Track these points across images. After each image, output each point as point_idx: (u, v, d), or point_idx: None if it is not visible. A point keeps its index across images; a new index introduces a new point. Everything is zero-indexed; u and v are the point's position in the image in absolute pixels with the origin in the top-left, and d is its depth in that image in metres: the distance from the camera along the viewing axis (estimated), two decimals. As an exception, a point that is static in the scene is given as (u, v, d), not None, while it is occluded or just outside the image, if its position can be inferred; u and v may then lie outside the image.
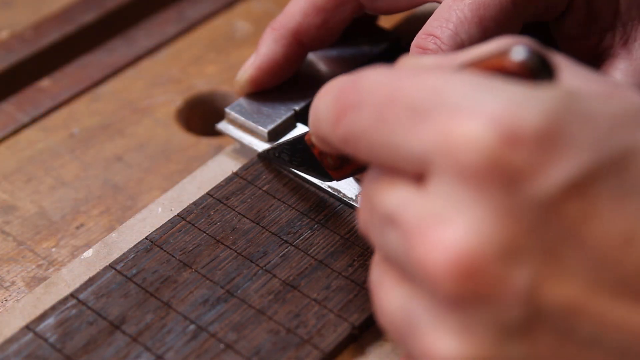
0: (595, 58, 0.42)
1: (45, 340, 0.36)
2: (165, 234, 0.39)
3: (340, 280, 0.38)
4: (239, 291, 0.37)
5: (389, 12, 0.45)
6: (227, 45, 0.53)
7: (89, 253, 0.39)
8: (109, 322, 0.36)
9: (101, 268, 0.38)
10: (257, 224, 0.40)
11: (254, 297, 0.37)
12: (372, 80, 0.31)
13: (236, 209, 0.40)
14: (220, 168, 0.43)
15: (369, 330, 0.37)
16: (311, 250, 0.39)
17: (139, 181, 0.45)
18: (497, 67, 0.30)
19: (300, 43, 0.44)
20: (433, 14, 0.40)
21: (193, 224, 0.40)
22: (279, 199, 0.41)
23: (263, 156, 0.43)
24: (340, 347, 0.36)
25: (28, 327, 0.36)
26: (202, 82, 0.50)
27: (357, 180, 0.41)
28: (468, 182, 0.28)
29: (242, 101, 0.44)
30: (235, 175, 0.42)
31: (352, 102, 0.31)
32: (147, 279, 0.38)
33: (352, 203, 0.41)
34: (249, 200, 0.41)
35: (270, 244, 0.39)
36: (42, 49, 0.53)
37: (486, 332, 0.28)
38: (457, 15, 0.39)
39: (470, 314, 0.28)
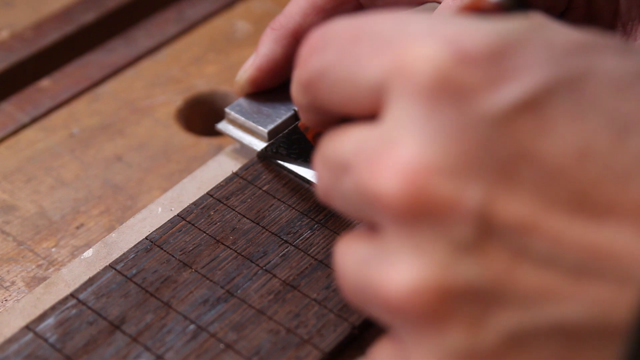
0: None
1: (45, 340, 0.36)
2: (165, 234, 0.39)
3: (340, 280, 0.38)
4: (239, 291, 0.37)
5: None
6: (227, 45, 0.53)
7: (89, 253, 0.39)
8: (109, 322, 0.36)
9: (101, 268, 0.38)
10: (257, 224, 0.40)
11: (254, 297, 0.37)
12: (339, 24, 0.32)
13: (236, 209, 0.40)
14: (220, 168, 0.43)
15: (369, 330, 0.37)
16: (311, 250, 0.39)
17: (139, 181, 0.45)
18: (476, 9, 0.31)
19: (300, 43, 0.44)
20: None
21: (193, 224, 0.40)
22: (279, 199, 0.41)
23: (262, 155, 0.43)
24: (340, 347, 0.36)
25: (28, 327, 0.36)
26: (202, 82, 0.50)
27: None
28: (420, 100, 0.28)
29: (242, 101, 0.44)
30: (235, 175, 0.42)
31: (318, 46, 0.32)
32: (147, 279, 0.38)
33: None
34: (249, 200, 0.41)
35: (270, 244, 0.39)
36: (42, 49, 0.53)
37: (439, 252, 0.28)
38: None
39: (422, 235, 0.28)
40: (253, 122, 0.43)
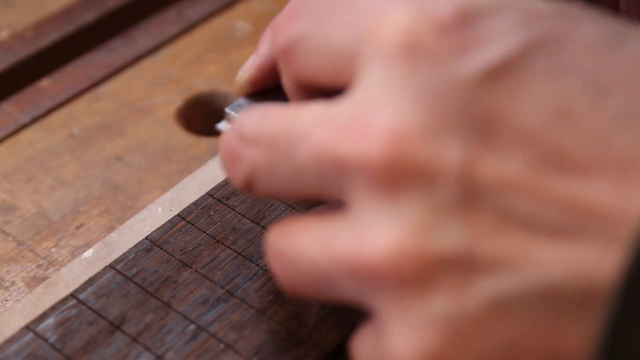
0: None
1: (45, 340, 0.36)
2: (165, 234, 0.39)
3: (340, 280, 0.38)
4: (239, 291, 0.37)
5: None
6: (227, 45, 0.53)
7: (89, 253, 0.39)
8: (109, 322, 0.36)
9: (101, 268, 0.38)
10: (257, 224, 0.40)
11: (254, 297, 0.37)
12: None
13: (236, 209, 0.40)
14: (220, 168, 0.43)
15: (369, 330, 0.37)
16: (311, 250, 0.39)
17: (139, 181, 0.45)
18: None
19: None
20: None
21: (193, 224, 0.40)
22: (279, 199, 0.41)
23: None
24: (340, 347, 0.36)
25: (28, 327, 0.36)
26: (202, 82, 0.50)
27: None
28: (393, 64, 0.28)
29: (242, 101, 0.44)
30: (235, 175, 0.42)
31: (296, 12, 0.32)
32: (147, 279, 0.38)
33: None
34: (249, 200, 0.41)
35: (270, 244, 0.39)
36: (42, 49, 0.53)
37: (422, 215, 0.28)
38: None
39: (403, 199, 0.28)
40: (253, 122, 0.43)
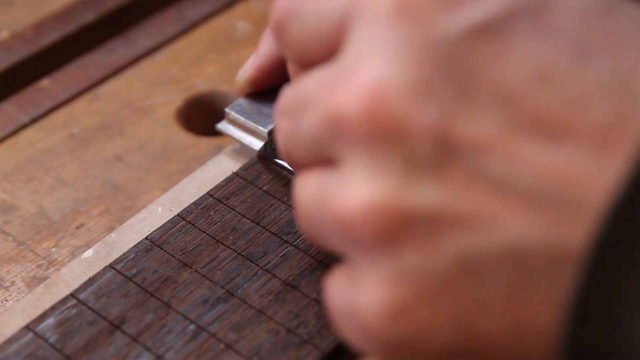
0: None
1: (45, 340, 0.36)
2: (165, 234, 0.39)
3: (340, 280, 0.38)
4: (239, 291, 0.37)
5: None
6: (227, 45, 0.53)
7: (89, 253, 0.39)
8: (109, 322, 0.36)
9: (101, 268, 0.38)
10: (257, 224, 0.40)
11: (254, 297, 0.37)
12: None
13: (236, 209, 0.40)
14: (220, 168, 0.43)
15: (369, 330, 0.37)
16: (311, 250, 0.39)
17: (139, 181, 0.45)
18: None
19: None
20: None
21: (193, 224, 0.40)
22: (279, 199, 0.41)
23: (262, 155, 0.43)
24: (340, 347, 0.36)
25: (28, 327, 0.36)
26: (202, 82, 0.50)
27: None
28: (379, 24, 0.29)
29: (242, 101, 0.44)
30: (235, 175, 0.42)
31: None
32: (147, 279, 0.38)
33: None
34: (249, 200, 0.41)
35: (270, 244, 0.39)
36: (42, 49, 0.53)
37: (395, 171, 0.28)
38: None
39: (380, 155, 0.28)
40: (253, 122, 0.43)
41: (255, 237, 0.39)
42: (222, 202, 0.41)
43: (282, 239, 0.39)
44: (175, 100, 0.49)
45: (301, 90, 0.31)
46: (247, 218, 0.40)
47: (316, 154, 0.31)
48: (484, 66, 0.28)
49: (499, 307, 0.28)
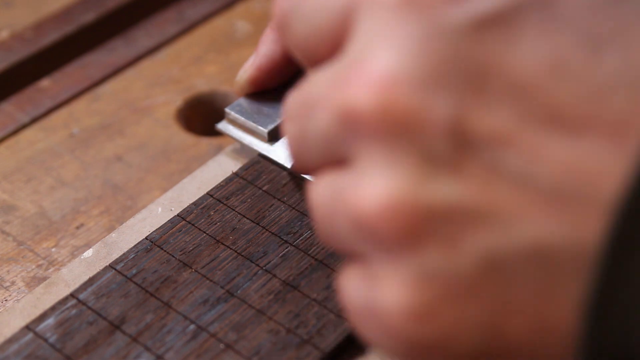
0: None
1: (45, 340, 0.36)
2: (165, 234, 0.39)
3: (340, 280, 0.38)
4: (239, 291, 0.37)
5: None
6: (227, 45, 0.53)
7: (89, 253, 0.39)
8: (109, 322, 0.36)
9: (101, 268, 0.38)
10: (257, 224, 0.40)
11: (254, 297, 0.37)
12: None
13: (236, 209, 0.40)
14: (220, 168, 0.43)
15: (369, 330, 0.37)
16: (311, 250, 0.39)
17: (139, 181, 0.45)
18: None
19: None
20: None
21: (193, 224, 0.40)
22: (279, 199, 0.41)
23: (264, 155, 0.43)
24: (340, 347, 0.36)
25: (28, 327, 0.36)
26: (202, 82, 0.50)
27: None
28: (386, 14, 0.28)
29: (242, 101, 0.44)
30: (235, 175, 0.42)
31: None
32: (147, 279, 0.38)
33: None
34: (249, 200, 0.41)
35: (270, 244, 0.39)
36: (42, 49, 0.53)
37: (413, 166, 0.27)
38: None
39: (395, 150, 0.27)
40: (253, 122, 0.43)
41: (255, 237, 0.39)
42: (222, 202, 0.41)
43: (282, 239, 0.39)
44: (175, 100, 0.49)
45: (306, 91, 0.30)
46: (247, 218, 0.40)
47: (328, 155, 0.30)
48: (495, 58, 0.27)
49: (525, 307, 0.27)
